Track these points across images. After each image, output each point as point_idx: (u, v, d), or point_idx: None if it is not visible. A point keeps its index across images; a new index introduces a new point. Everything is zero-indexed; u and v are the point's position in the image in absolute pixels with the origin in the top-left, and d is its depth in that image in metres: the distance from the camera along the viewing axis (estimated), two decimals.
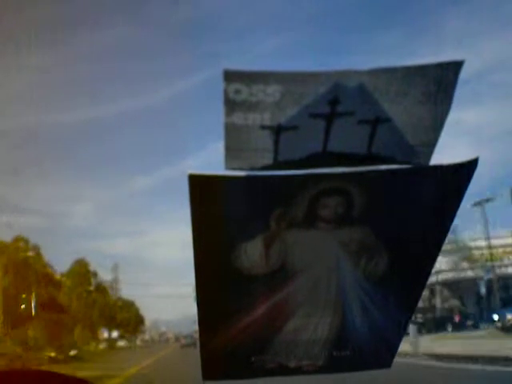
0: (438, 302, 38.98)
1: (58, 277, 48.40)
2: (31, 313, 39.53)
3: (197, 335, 1.32)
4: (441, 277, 39.22)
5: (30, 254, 42.15)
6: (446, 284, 39.26)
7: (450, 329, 31.53)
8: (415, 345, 17.92)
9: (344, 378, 1.57)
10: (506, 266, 38.75)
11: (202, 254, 1.08)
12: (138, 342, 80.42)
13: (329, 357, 1.30)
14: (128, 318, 68.75)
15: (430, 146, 1.02)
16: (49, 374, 1.50)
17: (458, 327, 31.29)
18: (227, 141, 0.96)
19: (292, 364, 1.30)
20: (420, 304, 37.63)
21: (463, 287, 38.54)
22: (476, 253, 39.55)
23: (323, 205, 1.06)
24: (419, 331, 29.12)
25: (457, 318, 33.60)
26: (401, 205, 1.10)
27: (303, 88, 0.93)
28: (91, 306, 53.66)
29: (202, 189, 0.99)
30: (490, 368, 11.22)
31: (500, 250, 39.16)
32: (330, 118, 0.96)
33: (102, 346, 57.91)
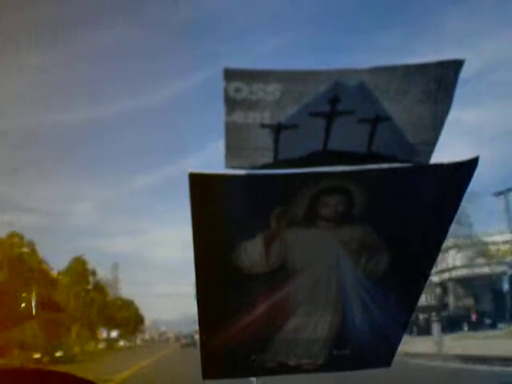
0: (451, 299, 38.81)
1: (53, 274, 48.67)
2: (27, 311, 39.80)
3: (197, 335, 1.37)
4: (454, 273, 38.69)
5: (25, 250, 42.44)
6: (460, 281, 38.67)
7: (465, 328, 31.25)
8: (440, 345, 17.43)
9: (344, 377, 1.62)
10: None
11: (203, 252, 1.11)
12: (138, 342, 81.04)
13: (329, 355, 1.34)
14: (127, 318, 69.09)
15: (430, 144, 1.05)
16: (50, 373, 1.55)
17: (475, 326, 30.92)
18: (227, 139, 0.99)
19: (292, 363, 1.34)
20: (432, 302, 37.49)
21: (478, 284, 38.20)
22: (492, 248, 39.16)
23: (323, 203, 1.09)
24: (429, 331, 28.94)
25: (474, 317, 32.70)
26: (401, 203, 1.13)
27: (303, 87, 0.95)
28: (89, 304, 53.92)
29: (202, 187, 1.02)
30: None
31: None
32: (330, 117, 0.99)
33: (101, 345, 58.39)
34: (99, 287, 58.47)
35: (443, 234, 1.18)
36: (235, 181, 1.05)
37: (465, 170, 1.07)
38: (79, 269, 54.16)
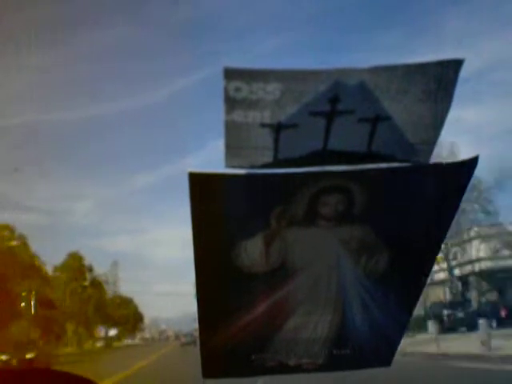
0: (473, 294, 38.34)
1: (45, 269, 48.97)
2: (18, 307, 40.13)
3: (197, 333, 1.39)
4: (477, 266, 36.98)
5: (16, 243, 42.71)
6: (483, 274, 37.19)
7: (494, 325, 30.32)
8: (488, 345, 15.90)
9: (344, 377, 1.69)
10: None
11: (202, 251, 1.16)
12: (137, 341, 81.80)
13: (329, 355, 1.38)
14: (126, 316, 69.66)
15: (430, 144, 1.09)
16: (50, 373, 1.64)
17: (504, 323, 28.82)
18: (227, 139, 1.03)
19: (292, 362, 1.39)
20: (451, 298, 37.18)
21: (502, 278, 36.58)
22: None
23: (323, 203, 1.14)
24: (455, 328, 28.56)
25: (503, 313, 30.99)
26: (401, 203, 1.17)
27: (303, 86, 0.99)
28: (86, 301, 54.39)
29: (202, 187, 1.06)
30: None
31: None
32: (330, 116, 1.03)
33: (99, 344, 58.89)
34: (96, 284, 58.89)
35: (443, 233, 1.23)
36: (235, 180, 1.09)
37: (465, 169, 1.11)
38: (75, 265, 54.52)
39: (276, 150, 1.08)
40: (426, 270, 1.30)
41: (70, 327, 52.10)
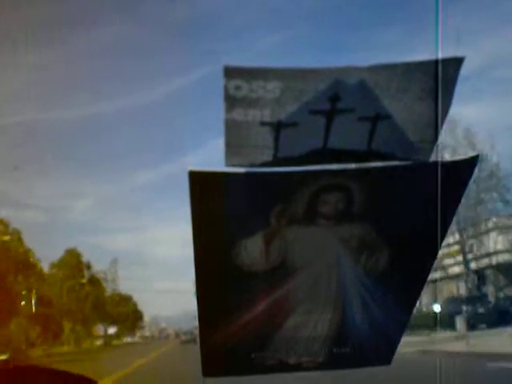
0: (490, 289, 38.03)
1: (40, 265, 49.09)
2: (12, 304, 40.33)
3: (197, 331, 1.42)
4: (495, 259, 35.69)
5: (9, 237, 42.84)
6: (501, 268, 35.36)
7: None
8: None
9: (344, 375, 1.72)
10: None
11: (202, 250, 1.19)
12: (137, 339, 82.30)
13: (329, 353, 1.42)
14: (125, 314, 69.88)
15: (431, 142, 1.12)
16: (50, 372, 1.70)
17: None
18: (227, 137, 1.07)
19: (292, 361, 1.42)
20: (467, 293, 36.83)
21: None
22: None
23: (323, 201, 1.18)
24: (475, 325, 28.08)
25: None
26: (401, 201, 1.20)
27: (303, 84, 1.02)
28: (84, 299, 54.56)
29: (202, 185, 1.10)
30: None
31: None
32: (330, 115, 1.06)
33: (98, 342, 59.19)
34: (95, 281, 59.05)
35: (443, 231, 1.25)
36: (235, 178, 1.12)
37: (465, 167, 1.15)
38: (73, 262, 54.58)
39: (276, 148, 1.11)
40: (426, 269, 1.33)
41: (67, 325, 52.32)
